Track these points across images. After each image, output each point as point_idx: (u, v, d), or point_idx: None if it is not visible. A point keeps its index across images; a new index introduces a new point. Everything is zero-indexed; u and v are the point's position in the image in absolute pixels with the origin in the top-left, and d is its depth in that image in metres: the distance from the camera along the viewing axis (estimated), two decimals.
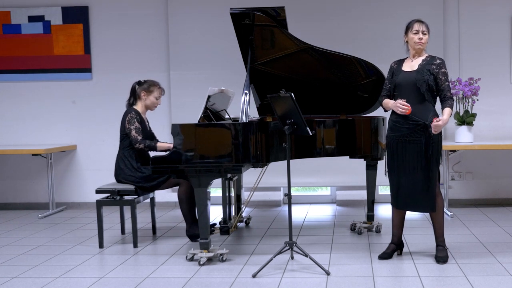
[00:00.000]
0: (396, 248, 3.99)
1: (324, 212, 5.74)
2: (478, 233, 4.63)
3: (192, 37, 6.02)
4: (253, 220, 5.31)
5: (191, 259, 3.97)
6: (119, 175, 4.47)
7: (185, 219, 4.48)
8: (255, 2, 4.91)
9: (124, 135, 4.48)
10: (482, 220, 5.15)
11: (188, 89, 5.99)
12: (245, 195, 5.88)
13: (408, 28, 3.84)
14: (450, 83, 3.82)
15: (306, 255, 3.72)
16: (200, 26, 6.01)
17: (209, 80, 5.68)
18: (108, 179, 4.85)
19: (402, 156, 3.81)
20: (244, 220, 5.18)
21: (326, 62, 4.53)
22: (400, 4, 5.83)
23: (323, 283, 3.45)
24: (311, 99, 4.67)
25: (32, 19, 6.19)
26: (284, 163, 3.86)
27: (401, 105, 3.71)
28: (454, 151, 5.42)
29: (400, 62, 3.92)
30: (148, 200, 4.83)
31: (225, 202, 4.79)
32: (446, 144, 5.16)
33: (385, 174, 3.96)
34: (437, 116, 3.75)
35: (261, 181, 4.86)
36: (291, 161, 3.88)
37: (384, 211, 5.53)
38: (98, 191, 4.45)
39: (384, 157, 4.04)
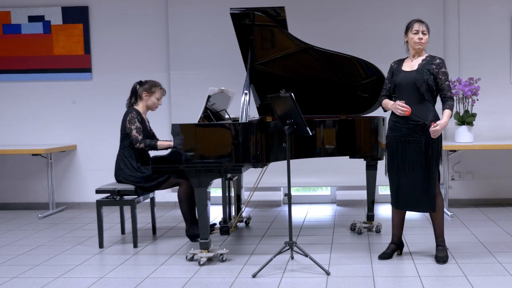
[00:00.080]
0: (396, 248, 3.99)
1: (324, 212, 5.74)
2: (478, 233, 4.63)
3: (192, 37, 6.02)
4: (253, 220, 5.31)
5: (191, 259, 3.97)
6: (119, 175, 4.47)
7: (184, 219, 4.47)
8: (255, 2, 4.91)
9: (125, 135, 4.48)
10: (482, 220, 5.15)
11: (188, 89, 5.99)
12: (245, 195, 5.88)
13: (408, 28, 3.84)
14: (450, 83, 3.81)
15: (306, 255, 3.72)
16: (200, 26, 6.01)
17: (209, 80, 5.68)
18: (108, 179, 4.85)
19: (402, 156, 3.81)
20: (244, 220, 5.18)
21: (326, 62, 4.53)
22: (400, 4, 5.83)
23: (323, 283, 3.45)
24: (311, 99, 4.67)
25: (32, 19, 6.19)
26: (284, 163, 3.86)
27: (400, 107, 3.71)
28: (454, 151, 5.42)
29: (400, 62, 3.92)
30: (148, 200, 4.83)
31: (225, 202, 4.78)
32: (446, 144, 5.16)
33: (385, 174, 3.96)
34: (437, 116, 3.75)
35: (261, 181, 4.86)
36: (291, 161, 3.88)
37: (384, 211, 5.53)
38: (98, 191, 4.45)
39: (384, 157, 4.04)
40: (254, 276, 3.58)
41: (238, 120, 4.14)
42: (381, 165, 4.33)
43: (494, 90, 5.80)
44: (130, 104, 4.60)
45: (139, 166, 4.44)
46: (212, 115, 4.28)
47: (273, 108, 3.82)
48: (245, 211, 5.65)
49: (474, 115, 5.36)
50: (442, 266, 3.73)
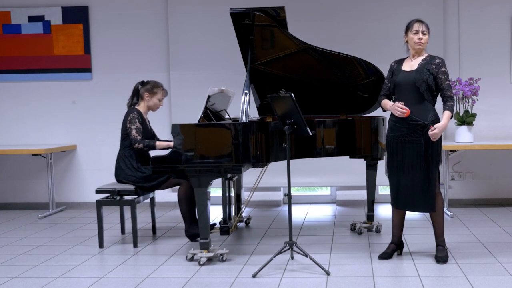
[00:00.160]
0: (396, 248, 3.99)
1: (324, 212, 5.74)
2: (478, 233, 4.63)
3: (192, 37, 6.02)
4: (253, 220, 5.31)
5: (191, 259, 3.97)
6: (120, 175, 4.47)
7: (184, 219, 4.47)
8: (255, 2, 4.91)
9: (125, 135, 4.48)
10: (482, 220, 5.15)
11: (188, 89, 5.99)
12: (245, 195, 5.88)
13: (408, 28, 3.84)
14: (450, 82, 3.80)
15: (306, 255, 3.72)
16: (200, 26, 6.01)
17: (209, 80, 5.68)
18: (108, 179, 4.85)
19: (401, 156, 3.81)
20: (244, 220, 5.18)
21: (326, 62, 4.53)
22: (400, 4, 5.83)
23: (323, 283, 3.45)
24: (311, 99, 4.67)
25: (32, 19, 6.19)
26: (284, 163, 3.86)
27: (399, 108, 3.71)
28: (454, 151, 5.42)
29: (400, 61, 3.92)
30: (148, 200, 4.83)
31: (225, 202, 4.78)
32: (446, 144, 5.16)
33: (386, 174, 3.96)
34: (437, 116, 3.75)
35: (261, 181, 4.85)
36: (291, 161, 3.88)
37: (384, 211, 5.53)
38: (98, 191, 4.45)
39: (384, 157, 4.04)
40: (254, 276, 3.58)
41: (238, 120, 4.14)
42: (381, 165, 4.34)
43: (494, 90, 5.80)
44: (132, 104, 4.60)
45: (139, 166, 4.44)
46: (212, 115, 4.28)
47: (273, 108, 3.82)
48: (245, 211, 5.65)
49: (474, 115, 5.36)
50: (442, 266, 3.73)
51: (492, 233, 4.63)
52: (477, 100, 5.39)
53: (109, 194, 4.45)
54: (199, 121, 4.00)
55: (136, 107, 4.57)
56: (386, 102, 3.90)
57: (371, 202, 4.78)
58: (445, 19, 5.85)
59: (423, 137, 3.72)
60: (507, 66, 5.87)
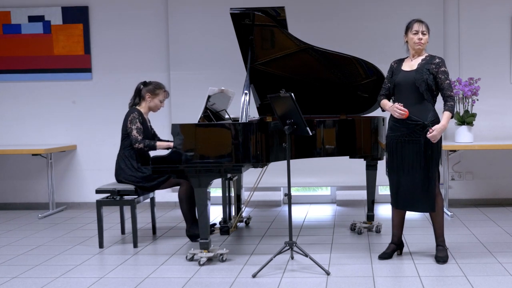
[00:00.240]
0: (396, 248, 3.99)
1: (324, 212, 5.74)
2: (478, 233, 4.63)
3: (192, 37, 6.02)
4: (253, 220, 5.31)
5: (191, 259, 3.97)
6: (120, 175, 4.47)
7: (185, 219, 4.48)
8: (255, 2, 4.91)
9: (126, 135, 4.48)
10: (482, 220, 5.15)
11: (188, 89, 5.99)
12: (245, 195, 5.88)
13: (408, 28, 3.84)
14: (450, 82, 3.80)
15: (306, 255, 3.72)
16: (200, 26, 6.01)
17: (209, 80, 5.68)
18: (108, 179, 4.85)
19: (401, 156, 3.81)
20: (244, 220, 5.18)
21: (326, 62, 4.53)
22: (400, 4, 5.83)
23: (323, 283, 3.45)
24: (311, 99, 4.67)
25: (32, 19, 6.19)
26: (284, 163, 3.86)
27: (398, 109, 3.71)
28: (454, 151, 5.42)
29: (400, 61, 3.92)
30: (148, 200, 4.83)
31: (225, 202, 4.78)
32: (446, 144, 5.16)
33: (386, 174, 3.96)
34: (437, 116, 3.75)
35: (261, 181, 4.86)
36: (291, 161, 3.88)
37: (384, 211, 5.53)
38: (98, 191, 4.45)
39: (385, 157, 4.03)
40: (254, 276, 3.58)
41: (238, 120, 4.14)
42: (382, 165, 4.33)
43: (494, 90, 5.80)
44: (133, 104, 4.60)
45: (140, 166, 4.44)
46: (212, 115, 4.28)
47: (273, 108, 3.82)
48: (245, 211, 5.65)
49: (474, 115, 5.36)
50: (442, 266, 3.73)
51: (492, 233, 4.63)
52: (477, 100, 5.39)
53: (109, 194, 4.45)
54: (199, 121, 4.00)
55: (137, 107, 4.57)
56: (385, 103, 3.90)
57: (371, 202, 4.78)
58: (445, 19, 5.85)
59: (423, 137, 3.71)
60: (507, 66, 5.87)
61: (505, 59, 5.87)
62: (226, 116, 4.64)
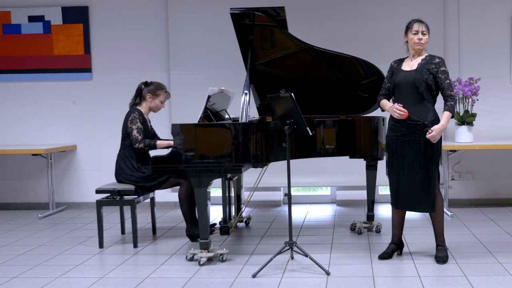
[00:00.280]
0: (396, 248, 3.99)
1: (324, 212, 5.74)
2: (478, 233, 4.63)
3: (192, 37, 6.02)
4: (253, 220, 5.31)
5: (191, 259, 3.97)
6: (120, 175, 4.47)
7: (185, 219, 4.48)
8: (255, 2, 4.91)
9: (126, 135, 4.48)
10: (482, 220, 5.15)
11: (188, 89, 5.99)
12: (245, 195, 5.88)
13: (408, 28, 3.84)
14: (450, 81, 3.80)
15: (306, 255, 3.72)
16: (200, 26, 6.01)
17: (209, 80, 5.68)
18: (108, 179, 4.85)
19: (401, 156, 3.81)
20: (244, 220, 5.18)
21: (326, 62, 4.53)
22: (400, 4, 5.83)
23: (323, 283, 3.45)
24: (311, 99, 4.67)
25: (32, 19, 6.19)
26: (284, 163, 3.86)
27: (397, 110, 3.71)
28: (454, 151, 5.42)
29: (400, 61, 3.92)
30: (148, 200, 4.83)
31: (225, 202, 4.78)
32: (446, 144, 5.16)
33: (386, 174, 3.96)
34: (437, 116, 3.75)
35: (261, 181, 4.86)
36: (291, 161, 3.88)
37: (384, 211, 5.53)
38: (98, 191, 4.45)
39: (385, 157, 4.03)
40: (254, 276, 3.58)
41: (238, 120, 4.14)
42: (382, 165, 4.33)
43: (494, 90, 5.80)
44: (134, 104, 4.60)
45: (140, 166, 4.44)
46: (212, 115, 4.28)
47: (273, 108, 3.82)
48: (245, 211, 5.65)
49: (474, 115, 5.36)
50: (442, 266, 3.73)
51: (492, 233, 4.63)
52: (477, 100, 5.39)
53: (109, 194, 4.45)
54: (199, 121, 4.00)
55: (138, 107, 4.57)
56: (385, 103, 3.90)
57: (371, 202, 4.78)
58: (445, 19, 5.85)
59: (423, 137, 3.71)
60: (507, 66, 5.87)
61: (505, 59, 5.87)
62: (226, 116, 4.64)
